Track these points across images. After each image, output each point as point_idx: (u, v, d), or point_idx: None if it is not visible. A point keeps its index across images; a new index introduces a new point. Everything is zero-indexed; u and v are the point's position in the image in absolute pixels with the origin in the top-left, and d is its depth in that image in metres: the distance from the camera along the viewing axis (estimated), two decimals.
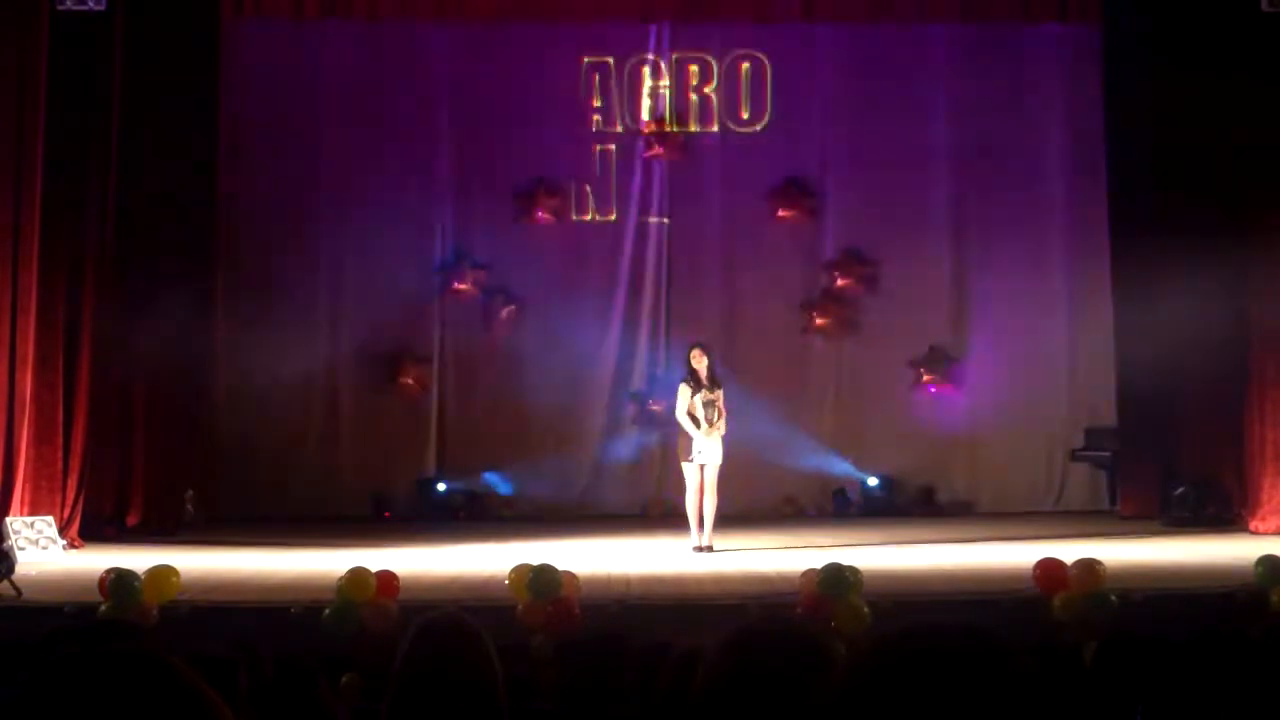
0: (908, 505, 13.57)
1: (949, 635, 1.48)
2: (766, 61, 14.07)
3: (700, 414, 10.62)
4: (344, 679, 5.27)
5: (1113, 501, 13.32)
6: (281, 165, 13.73)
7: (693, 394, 10.68)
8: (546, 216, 13.98)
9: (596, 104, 14.02)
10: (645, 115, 14.08)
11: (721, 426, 10.64)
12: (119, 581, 7.38)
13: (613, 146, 14.08)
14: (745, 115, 14.10)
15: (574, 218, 14.05)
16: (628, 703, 3.21)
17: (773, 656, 1.92)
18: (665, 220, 14.09)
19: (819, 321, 14.02)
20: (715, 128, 14.14)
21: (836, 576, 7.30)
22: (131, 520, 12.14)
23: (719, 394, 10.69)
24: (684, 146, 14.07)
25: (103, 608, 7.27)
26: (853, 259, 14.03)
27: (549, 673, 4.98)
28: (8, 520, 10.58)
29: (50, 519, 10.95)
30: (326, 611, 7.26)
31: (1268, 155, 11.77)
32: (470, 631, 3.15)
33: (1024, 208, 13.91)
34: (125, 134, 12.05)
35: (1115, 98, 13.00)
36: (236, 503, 13.25)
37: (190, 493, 12.66)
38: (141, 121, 12.19)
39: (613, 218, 14.07)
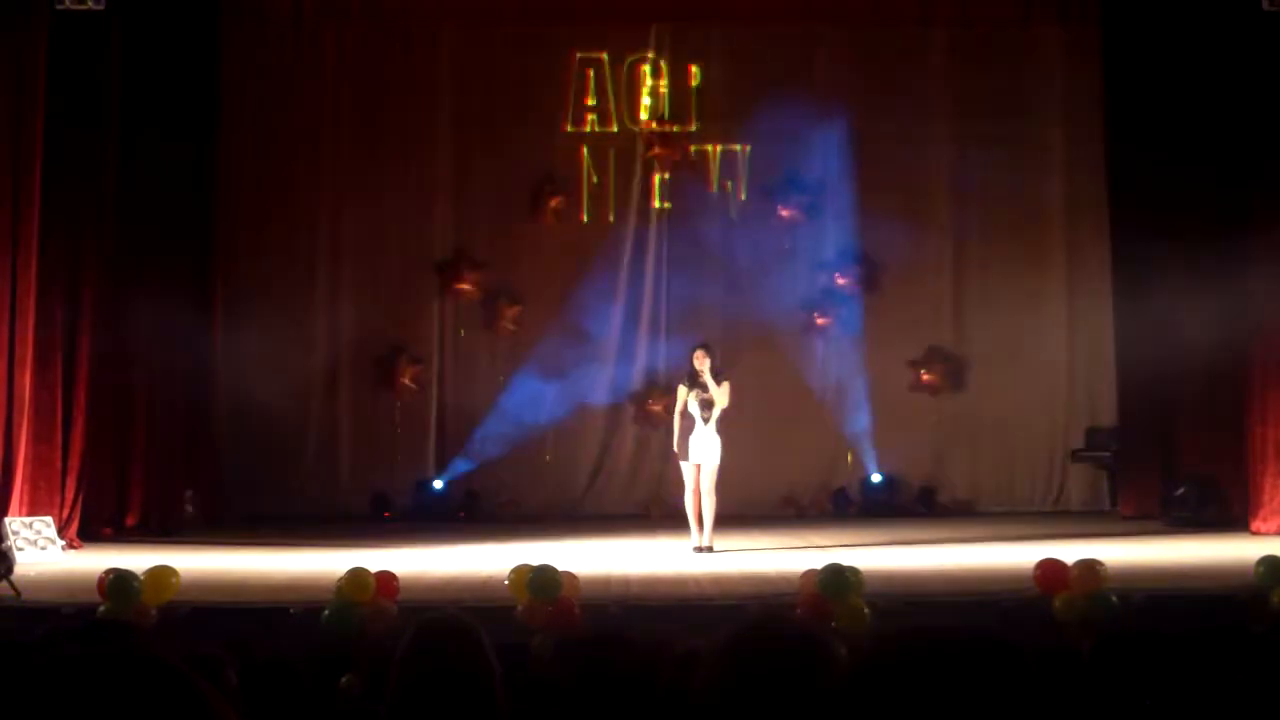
0: (908, 505, 13.57)
1: (953, 636, 1.47)
2: (766, 62, 14.05)
3: (696, 412, 10.66)
4: (343, 679, 5.25)
5: (1113, 502, 13.32)
6: (281, 165, 13.74)
7: (688, 393, 10.74)
8: (546, 216, 13.97)
9: (596, 104, 14.02)
10: (645, 115, 14.08)
11: (718, 409, 10.62)
12: (118, 582, 7.37)
13: (612, 147, 14.07)
14: (745, 115, 14.09)
15: (573, 218, 14.04)
16: (628, 703, 3.20)
17: (773, 656, 1.91)
18: (665, 221, 14.07)
19: (819, 321, 14.02)
20: (715, 128, 14.12)
21: (836, 576, 7.29)
22: (130, 520, 12.13)
23: (713, 392, 10.69)
24: (683, 146, 14.07)
25: (101, 608, 7.26)
26: (853, 259, 14.03)
27: (549, 673, 4.97)
28: (7, 520, 10.55)
29: (49, 519, 10.93)
30: (326, 612, 7.24)
31: (1268, 155, 11.74)
32: (469, 631, 3.14)
33: (1024, 208, 13.91)
34: (124, 134, 12.05)
35: (1115, 98, 12.99)
36: (236, 502, 13.25)
37: (189, 493, 12.65)
38: (141, 121, 12.19)
39: (612, 218, 14.07)
